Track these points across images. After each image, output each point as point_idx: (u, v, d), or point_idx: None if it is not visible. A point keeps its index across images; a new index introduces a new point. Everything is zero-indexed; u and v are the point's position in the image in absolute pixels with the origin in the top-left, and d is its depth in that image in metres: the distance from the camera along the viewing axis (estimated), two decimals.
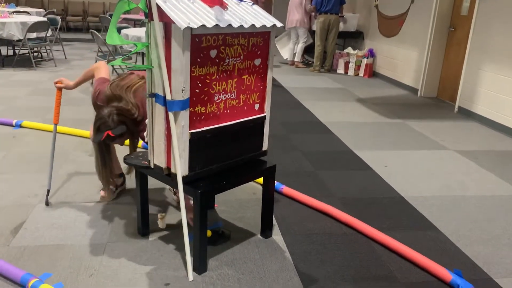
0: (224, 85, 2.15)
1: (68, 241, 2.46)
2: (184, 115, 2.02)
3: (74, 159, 3.62)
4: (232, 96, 2.21)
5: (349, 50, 8.40)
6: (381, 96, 6.56)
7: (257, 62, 2.27)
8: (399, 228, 2.76)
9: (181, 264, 2.30)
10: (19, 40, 7.20)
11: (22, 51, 7.75)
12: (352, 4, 9.00)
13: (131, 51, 5.87)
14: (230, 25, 2.02)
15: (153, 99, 2.12)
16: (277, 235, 2.61)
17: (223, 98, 2.18)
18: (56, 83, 2.84)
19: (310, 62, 8.96)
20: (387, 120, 5.24)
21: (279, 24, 2.25)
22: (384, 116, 5.38)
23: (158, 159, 2.21)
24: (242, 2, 2.27)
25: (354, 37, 8.86)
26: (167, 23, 1.95)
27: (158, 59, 2.01)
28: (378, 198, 3.18)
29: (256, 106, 2.36)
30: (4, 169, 3.37)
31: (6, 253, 2.32)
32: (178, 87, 1.98)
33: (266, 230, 2.57)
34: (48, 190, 2.87)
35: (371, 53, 8.13)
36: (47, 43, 7.70)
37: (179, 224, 2.69)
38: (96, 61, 6.26)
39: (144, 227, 2.54)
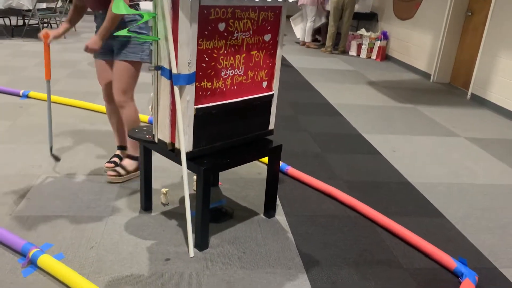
0: (231, 60, 2.10)
1: (70, 213, 2.45)
2: (190, 90, 1.97)
3: (80, 132, 3.60)
4: (239, 72, 2.16)
5: (363, 32, 8.23)
6: (393, 80, 6.44)
7: (267, 38, 2.21)
8: (404, 213, 2.72)
9: (183, 240, 2.29)
10: (29, 10, 7.14)
11: (31, 22, 7.70)
12: None
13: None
14: None
15: (159, 72, 2.08)
16: (280, 215, 2.59)
17: (230, 74, 2.12)
18: (43, 37, 2.65)
19: (323, 43, 8.81)
20: (398, 104, 5.15)
21: None
22: (395, 100, 5.29)
23: (162, 133, 2.18)
24: None
25: (368, 19, 8.67)
26: None
27: (165, 30, 1.96)
28: (384, 182, 3.14)
29: (264, 84, 2.31)
30: (9, 139, 3.36)
31: (9, 222, 2.32)
32: (184, 60, 1.93)
33: (270, 210, 2.54)
34: (51, 147, 2.86)
35: (385, 36, 7.96)
36: (57, 14, 7.63)
37: (182, 199, 2.67)
38: None
39: (147, 202, 2.53)
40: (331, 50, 8.20)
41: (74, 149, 3.26)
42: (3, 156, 3.05)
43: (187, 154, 2.09)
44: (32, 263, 2.00)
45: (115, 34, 2.15)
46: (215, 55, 2.02)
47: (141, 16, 1.96)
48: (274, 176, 2.46)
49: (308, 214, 2.62)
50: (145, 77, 5.41)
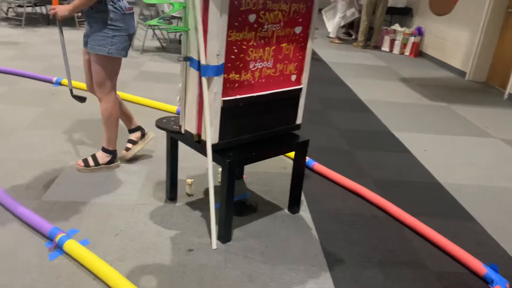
0: (261, 53, 2.07)
1: (97, 200, 2.49)
2: (218, 82, 1.96)
3: None
4: (268, 64, 2.13)
5: (396, 27, 8.03)
6: (426, 77, 6.27)
7: (298, 30, 2.17)
8: (433, 215, 2.64)
9: (206, 231, 2.29)
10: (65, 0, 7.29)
11: None
12: None
13: (160, 17, 5.81)
14: None
15: (187, 63, 2.07)
16: (304, 211, 2.55)
17: (259, 67, 2.09)
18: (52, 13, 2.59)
19: (355, 37, 8.65)
20: (431, 102, 5.00)
21: None
22: (427, 98, 5.14)
23: (189, 125, 2.17)
24: None
25: (403, 14, 8.45)
26: None
27: (195, 21, 1.94)
28: (413, 182, 3.05)
29: (293, 77, 2.27)
30: (41, 125, 3.44)
31: (38, 207, 2.37)
32: (213, 51, 1.91)
33: (294, 205, 2.51)
34: (71, 90, 2.83)
35: (419, 32, 7.75)
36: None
37: (207, 191, 2.67)
38: (137, 25, 6.27)
39: (172, 192, 2.54)
40: (363, 45, 8.04)
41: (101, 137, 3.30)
42: (34, 141, 3.13)
43: (213, 146, 2.08)
44: (59, 247, 2.04)
45: (146, 23, 2.14)
46: (244, 47, 1.99)
47: (172, 6, 1.96)
48: (300, 171, 2.43)
49: (333, 212, 2.58)
50: (173, 68, 5.45)
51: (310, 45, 2.24)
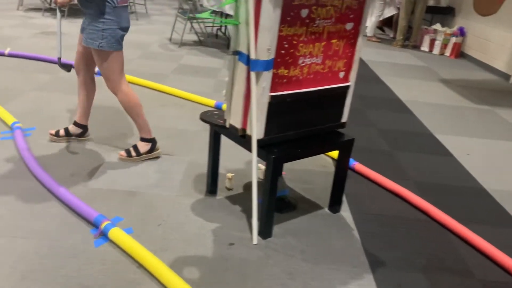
0: (311, 48, 2.04)
1: (140, 189, 2.52)
2: (267, 76, 1.94)
3: (151, 112, 3.68)
4: (317, 60, 2.10)
5: (437, 26, 7.82)
6: (468, 79, 6.08)
7: (349, 26, 2.12)
8: (478, 221, 2.55)
9: (246, 226, 2.28)
10: None
11: None
12: None
13: (211, 10, 5.83)
14: None
15: (236, 57, 2.06)
16: (345, 211, 2.52)
17: (308, 62, 2.07)
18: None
19: (393, 36, 8.48)
20: (473, 105, 4.85)
21: None
22: (470, 101, 4.98)
23: (234, 119, 2.17)
24: None
25: (444, 13, 8.22)
26: None
27: (246, 14, 1.93)
28: (457, 186, 2.96)
29: (341, 74, 2.23)
30: None
31: (84, 193, 2.42)
32: (264, 46, 1.89)
33: (335, 204, 2.48)
34: (59, 58, 2.72)
35: (461, 32, 7.51)
36: None
37: (247, 186, 2.67)
38: (176, 18, 6.32)
39: (212, 185, 2.55)
40: (402, 44, 7.87)
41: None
42: None
43: (258, 141, 2.06)
44: (104, 234, 2.08)
45: (198, 16, 2.13)
46: (295, 42, 1.97)
47: None
48: (343, 171, 2.39)
49: (374, 213, 2.53)
50: (211, 62, 5.48)
51: (360, 42, 2.20)
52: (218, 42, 6.69)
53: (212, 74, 4.96)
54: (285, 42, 1.94)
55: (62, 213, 2.23)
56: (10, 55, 4.78)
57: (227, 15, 5.77)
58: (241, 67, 2.04)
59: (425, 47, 7.88)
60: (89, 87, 2.89)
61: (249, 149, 2.13)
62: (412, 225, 2.45)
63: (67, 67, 2.77)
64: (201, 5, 6.36)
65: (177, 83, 4.49)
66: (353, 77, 2.26)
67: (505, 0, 6.56)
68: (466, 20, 7.57)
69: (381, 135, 3.70)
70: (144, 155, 2.84)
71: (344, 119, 2.35)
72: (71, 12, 7.35)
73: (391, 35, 8.73)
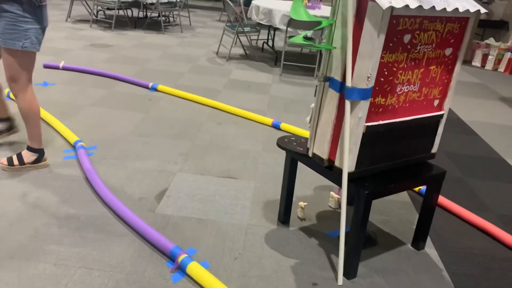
0: (409, 75, 1.88)
1: (210, 216, 2.41)
2: (364, 106, 1.79)
3: (208, 130, 3.60)
4: (414, 88, 1.94)
5: (491, 41, 7.51)
6: None
7: (448, 52, 1.96)
8: None
9: (327, 263, 2.13)
10: (152, 4, 7.47)
11: (153, 15, 8.05)
12: None
13: (304, 34, 5.75)
14: (433, 7, 1.73)
15: (326, 83, 1.92)
16: (430, 248, 2.33)
17: (405, 90, 1.91)
18: None
19: None
20: None
21: (483, 10, 1.90)
22: None
23: (319, 149, 2.03)
24: None
25: (497, 27, 7.90)
26: (362, 0, 1.71)
27: (343, 40, 1.79)
28: None
29: (436, 102, 2.06)
30: (145, 131, 3.44)
31: (153, 220, 2.33)
32: (363, 73, 1.75)
33: (420, 241, 2.29)
34: None
35: None
36: (177, 8, 7.90)
37: (320, 216, 2.52)
38: (224, 31, 6.27)
39: (285, 215, 2.41)
40: None
41: (205, 148, 3.25)
42: (140, 149, 3.12)
43: (349, 174, 1.91)
44: (181, 268, 1.96)
45: (290, 40, 1.99)
46: (395, 69, 1.82)
47: (320, 22, 1.82)
48: (432, 205, 2.21)
49: (462, 250, 2.33)
50: (261, 77, 5.33)
51: (458, 68, 2.03)
52: (264, 55, 6.59)
53: (264, 90, 4.84)
54: (385, 69, 1.79)
55: (135, 243, 2.14)
56: (64, 69, 4.80)
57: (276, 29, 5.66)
58: (332, 94, 1.90)
59: (476, 62, 7.58)
60: None
61: (335, 181, 1.99)
62: (506, 266, 2.24)
63: None
64: (249, 19, 6.28)
65: (230, 99, 4.40)
66: (447, 106, 2.09)
67: None
68: None
69: (451, 159, 3.49)
70: (28, 165, 2.68)
71: (434, 149, 2.18)
72: None
73: None
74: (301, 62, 6.19)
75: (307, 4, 5.94)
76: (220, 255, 2.11)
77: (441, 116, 2.09)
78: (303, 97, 4.71)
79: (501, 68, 7.30)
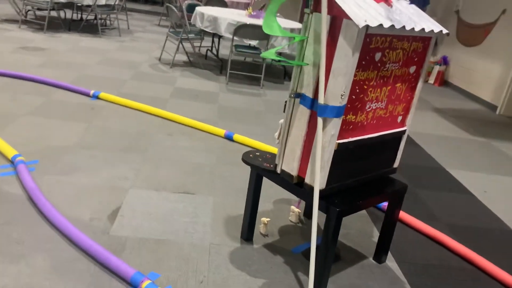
0: (378, 93, 1.90)
1: (169, 236, 2.27)
2: (336, 123, 1.78)
3: (158, 142, 3.43)
4: (381, 105, 1.96)
5: None
6: (458, 108, 6.17)
7: (412, 69, 2.01)
8: None
9: (295, 282, 2.09)
10: (88, 6, 7.09)
11: (88, 17, 7.65)
12: (432, 5, 8.51)
13: (277, 49, 5.65)
14: (403, 26, 1.75)
15: (297, 99, 1.89)
16: (391, 261, 2.37)
17: (373, 107, 1.92)
18: None
19: None
20: (470, 136, 4.88)
21: (445, 31, 1.97)
22: (467, 132, 5.02)
23: (288, 165, 1.98)
24: (401, 0, 1.99)
25: None
26: (337, 17, 1.70)
27: (315, 56, 1.77)
28: (485, 229, 2.89)
29: (399, 119, 2.10)
30: (89, 143, 3.21)
31: (108, 242, 2.15)
32: (337, 91, 1.73)
33: (381, 254, 2.33)
34: None
35: (445, 61, 7.69)
36: (115, 11, 7.57)
37: (282, 231, 2.47)
38: (167, 37, 6.09)
39: (249, 232, 2.34)
40: None
41: (158, 162, 3.09)
42: (86, 163, 2.90)
43: (319, 191, 1.89)
44: None
45: (262, 55, 1.92)
46: (365, 87, 1.82)
47: (292, 37, 1.78)
48: (393, 220, 2.25)
49: (421, 263, 2.40)
50: (207, 85, 5.22)
51: (420, 86, 2.08)
52: (209, 63, 6.49)
53: (212, 99, 4.75)
54: (357, 87, 1.79)
55: (91, 269, 1.96)
56: None
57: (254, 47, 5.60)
58: (303, 111, 1.87)
59: None
60: None
61: (305, 198, 1.96)
62: (462, 276, 2.33)
63: None
64: (193, 25, 6.16)
65: (179, 108, 4.25)
66: (409, 121, 2.14)
67: (489, 32, 6.77)
68: (449, 49, 7.75)
69: (399, 170, 3.60)
70: None
71: (396, 164, 2.22)
72: None
73: None
74: (246, 71, 6.17)
75: (252, 13, 5.93)
76: (184, 279, 2.00)
77: (404, 132, 2.14)
78: (252, 107, 4.68)
79: (431, 80, 7.77)
